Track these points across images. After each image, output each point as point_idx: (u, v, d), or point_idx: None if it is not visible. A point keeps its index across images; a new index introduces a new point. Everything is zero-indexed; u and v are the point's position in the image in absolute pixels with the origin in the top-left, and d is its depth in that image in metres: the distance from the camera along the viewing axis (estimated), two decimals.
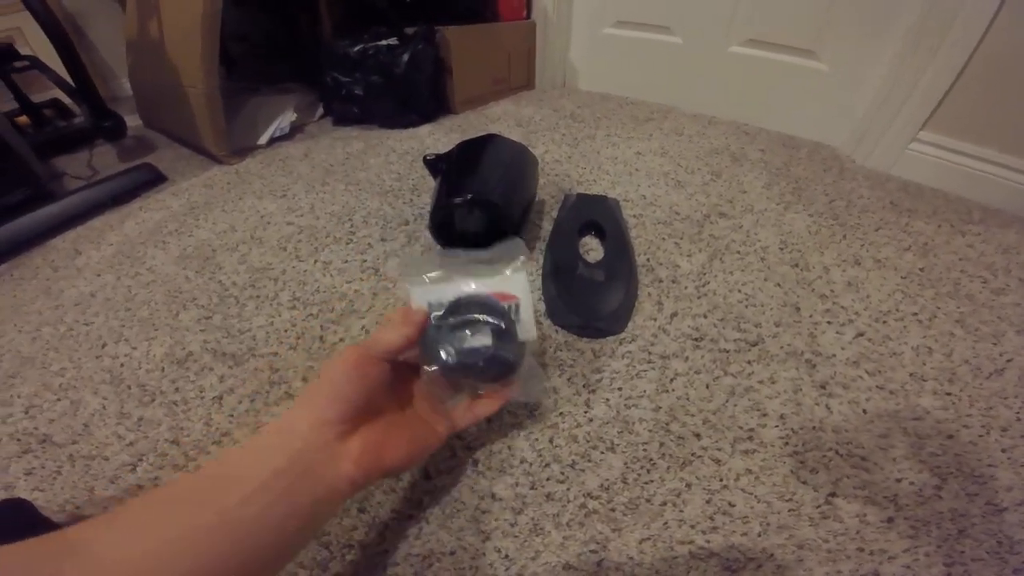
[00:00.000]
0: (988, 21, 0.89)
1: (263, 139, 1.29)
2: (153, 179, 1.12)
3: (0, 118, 0.97)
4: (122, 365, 0.67)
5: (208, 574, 0.30)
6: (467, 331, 0.46)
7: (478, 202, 0.74)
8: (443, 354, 0.45)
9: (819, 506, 0.49)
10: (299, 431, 0.37)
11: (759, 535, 0.47)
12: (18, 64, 1.32)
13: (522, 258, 0.51)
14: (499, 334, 0.47)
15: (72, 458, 0.56)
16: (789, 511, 0.49)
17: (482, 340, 0.46)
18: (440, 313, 0.47)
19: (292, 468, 0.35)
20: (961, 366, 0.64)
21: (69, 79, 1.14)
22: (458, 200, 0.74)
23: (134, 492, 0.52)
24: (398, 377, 0.45)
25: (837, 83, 1.18)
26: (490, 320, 0.47)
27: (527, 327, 0.49)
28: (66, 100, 1.40)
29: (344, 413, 0.38)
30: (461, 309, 0.47)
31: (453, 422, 0.48)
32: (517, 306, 0.49)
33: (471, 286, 0.49)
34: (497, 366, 0.46)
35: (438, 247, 0.83)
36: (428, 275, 0.49)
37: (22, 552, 0.28)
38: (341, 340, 0.70)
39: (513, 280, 0.50)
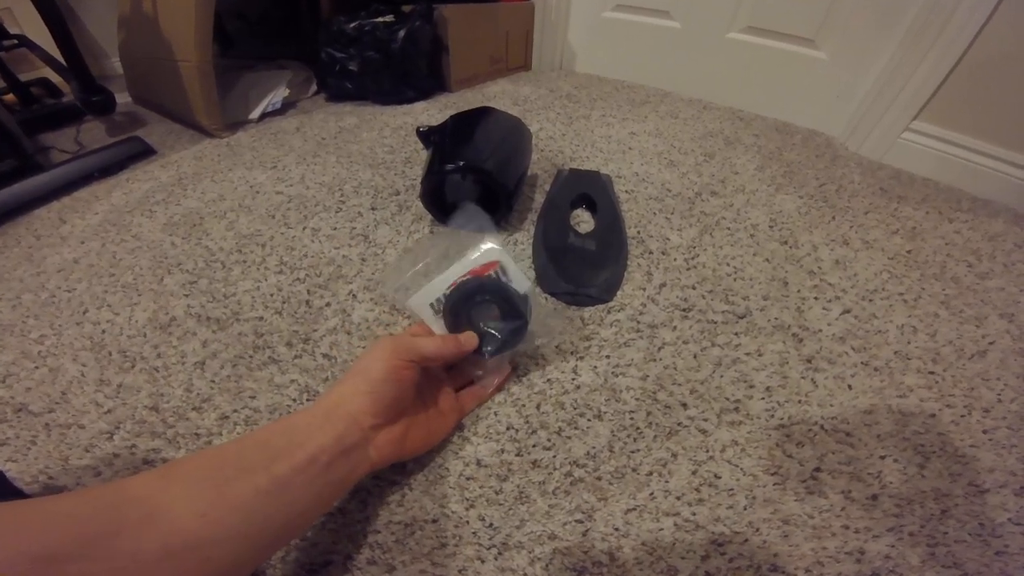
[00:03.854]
0: (986, 16, 0.89)
1: (255, 114, 1.27)
2: (142, 151, 1.11)
3: None
4: (103, 331, 0.66)
5: (256, 530, 0.34)
6: (480, 314, 0.54)
7: (471, 169, 0.74)
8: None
9: (804, 481, 0.49)
10: (342, 416, 0.41)
11: (745, 508, 0.47)
12: (6, 42, 1.31)
13: (487, 230, 0.58)
14: (505, 305, 0.54)
15: (48, 427, 0.54)
16: (775, 485, 0.49)
17: (495, 323, 0.54)
18: (444, 312, 0.54)
19: (335, 447, 0.39)
20: (945, 346, 0.64)
21: (58, 56, 1.14)
22: (450, 167, 0.73)
23: (109, 461, 0.51)
24: (426, 382, 0.51)
25: (835, 72, 1.18)
26: (492, 297, 0.54)
27: (519, 281, 0.56)
28: (54, 79, 1.39)
29: (379, 410, 0.43)
30: (464, 301, 0.54)
31: (462, 407, 0.54)
32: (503, 268, 0.56)
33: (454, 272, 0.56)
34: (519, 333, 0.54)
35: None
36: (411, 271, 0.57)
37: (78, 502, 0.30)
38: (328, 304, 0.69)
39: (487, 251, 0.57)
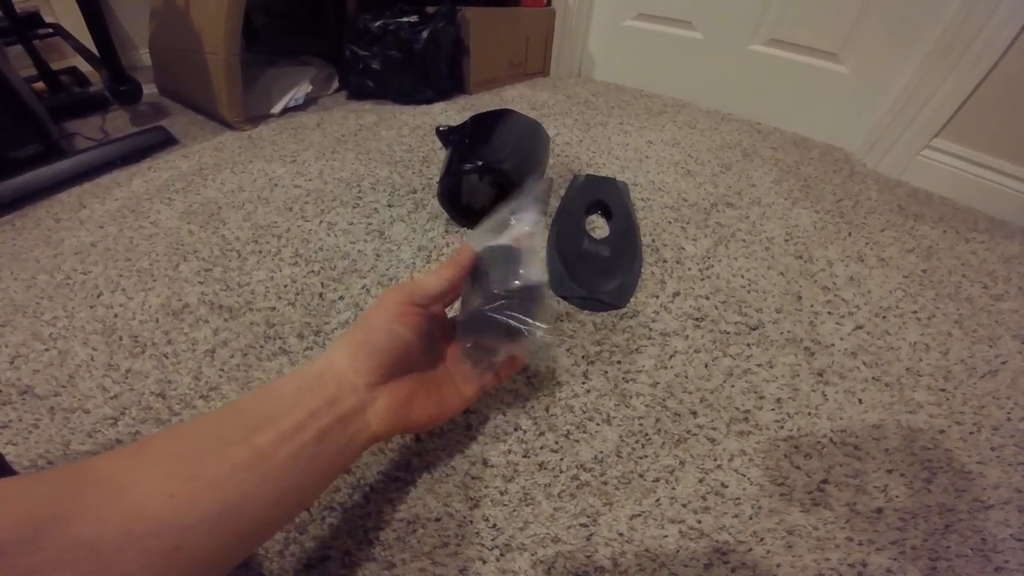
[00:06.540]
0: (1013, 36, 0.89)
1: (277, 108, 1.29)
2: (164, 141, 1.12)
3: (13, 73, 0.97)
4: (116, 315, 0.66)
5: (235, 512, 0.29)
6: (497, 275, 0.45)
7: (489, 169, 0.74)
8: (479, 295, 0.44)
9: (811, 492, 0.49)
10: (334, 374, 0.36)
11: (750, 518, 0.47)
12: (41, 31, 1.35)
13: (533, 193, 0.50)
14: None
15: (52, 410, 0.54)
16: (781, 495, 0.49)
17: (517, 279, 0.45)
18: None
19: (327, 412, 0.34)
20: (956, 365, 0.64)
21: (90, 45, 1.17)
22: (468, 166, 0.74)
23: (111, 447, 0.50)
24: (434, 334, 0.44)
25: (856, 87, 1.18)
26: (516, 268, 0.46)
27: (530, 270, 0.46)
28: (84, 69, 1.43)
29: (378, 363, 0.37)
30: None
31: (481, 384, 0.47)
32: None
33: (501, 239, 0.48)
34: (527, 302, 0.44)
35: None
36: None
37: (35, 482, 0.26)
38: (341, 298, 0.69)
39: (516, 231, 0.49)
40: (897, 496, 0.49)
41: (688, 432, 0.54)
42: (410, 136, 1.18)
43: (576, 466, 0.51)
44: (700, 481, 0.50)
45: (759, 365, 0.62)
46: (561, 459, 0.51)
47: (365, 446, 0.37)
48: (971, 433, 0.55)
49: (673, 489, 0.49)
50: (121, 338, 0.63)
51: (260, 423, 0.32)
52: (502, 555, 0.44)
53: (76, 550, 0.23)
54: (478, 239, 0.49)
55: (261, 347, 0.62)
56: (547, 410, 0.56)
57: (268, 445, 0.31)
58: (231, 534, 0.29)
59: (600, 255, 0.75)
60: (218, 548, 0.28)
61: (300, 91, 1.34)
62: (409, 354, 0.40)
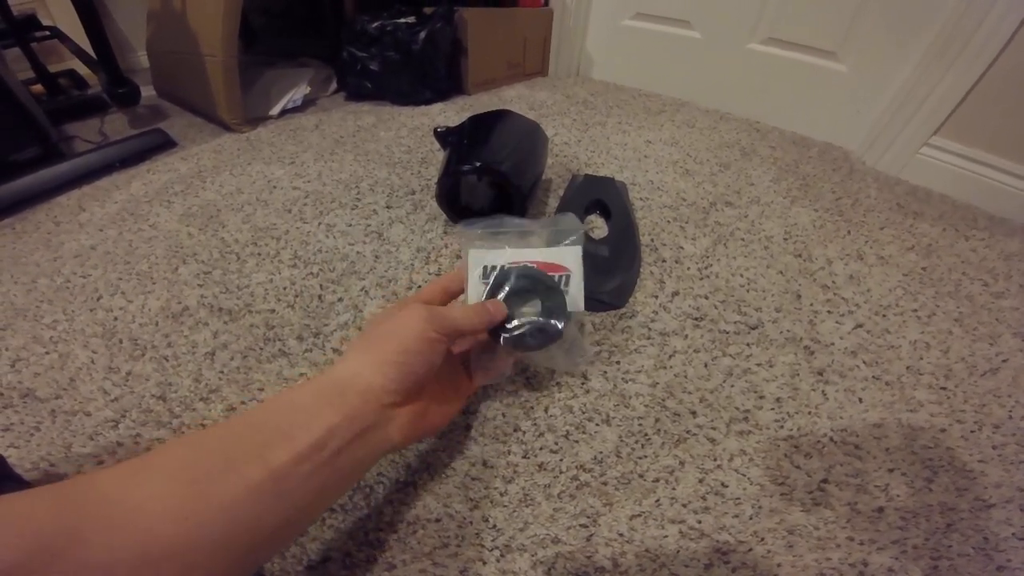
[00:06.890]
0: (1012, 31, 0.89)
1: (275, 110, 1.29)
2: (163, 143, 1.12)
3: (11, 76, 0.97)
4: (116, 318, 0.66)
5: (248, 532, 0.28)
6: (519, 301, 0.48)
7: (487, 170, 0.74)
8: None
9: (811, 492, 0.49)
10: (359, 389, 0.35)
11: (751, 518, 0.47)
12: (39, 34, 1.35)
13: (577, 233, 0.52)
14: (549, 306, 0.48)
15: (53, 413, 0.54)
16: (781, 495, 0.49)
17: (533, 310, 0.48)
18: (490, 281, 0.49)
19: (347, 428, 0.33)
20: (957, 363, 0.64)
21: (88, 48, 1.17)
22: (467, 167, 0.74)
23: (112, 450, 0.51)
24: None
25: (855, 86, 1.18)
26: (540, 292, 0.49)
27: (575, 299, 0.50)
28: (82, 71, 1.43)
29: (404, 386, 0.37)
30: (513, 280, 0.48)
31: (472, 385, 0.49)
32: (567, 278, 0.51)
33: (524, 254, 0.51)
34: (545, 336, 0.47)
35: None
36: (480, 231, 0.52)
37: (38, 501, 0.24)
38: (340, 300, 0.69)
39: (567, 253, 0.51)
40: (898, 495, 0.49)
41: (688, 432, 0.54)
42: (408, 137, 1.18)
43: (576, 467, 0.51)
44: (700, 481, 0.50)
45: (759, 364, 0.62)
46: (561, 460, 0.51)
47: (379, 458, 0.38)
48: (972, 432, 0.55)
49: (673, 489, 0.49)
50: (121, 341, 0.63)
51: (275, 439, 0.31)
52: (502, 556, 0.44)
53: (88, 573, 0.23)
54: (473, 239, 0.52)
55: (261, 349, 0.62)
56: (546, 411, 0.56)
57: (283, 465, 0.30)
58: (243, 553, 0.28)
59: (599, 255, 0.75)
60: (230, 567, 0.28)
61: (298, 92, 1.34)
62: (430, 377, 0.40)
